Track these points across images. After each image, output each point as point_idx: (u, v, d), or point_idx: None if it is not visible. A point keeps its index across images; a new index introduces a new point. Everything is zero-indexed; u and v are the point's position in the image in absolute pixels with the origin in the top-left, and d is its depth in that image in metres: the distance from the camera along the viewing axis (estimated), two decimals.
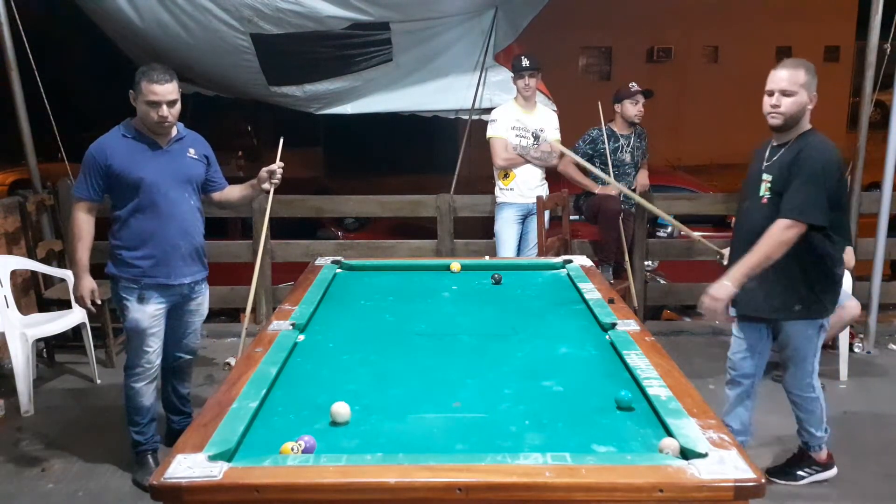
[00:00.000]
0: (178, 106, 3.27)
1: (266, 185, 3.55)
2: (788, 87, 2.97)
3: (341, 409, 1.99)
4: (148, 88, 3.14)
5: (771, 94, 3.02)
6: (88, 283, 3.39)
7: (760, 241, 2.97)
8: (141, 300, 3.36)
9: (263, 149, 17.35)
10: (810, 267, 3.07)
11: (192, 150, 3.43)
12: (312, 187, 8.59)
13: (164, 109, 3.18)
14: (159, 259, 3.34)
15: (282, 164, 3.57)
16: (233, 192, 3.70)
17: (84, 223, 3.35)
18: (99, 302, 3.45)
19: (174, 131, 3.37)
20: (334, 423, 1.98)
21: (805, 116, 3.05)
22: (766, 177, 3.11)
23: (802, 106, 3.01)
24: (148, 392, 3.48)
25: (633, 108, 5.13)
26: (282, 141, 3.74)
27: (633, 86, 5.14)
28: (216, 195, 3.67)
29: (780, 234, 2.93)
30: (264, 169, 3.55)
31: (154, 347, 3.44)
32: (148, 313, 3.37)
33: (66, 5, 5.59)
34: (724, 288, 2.99)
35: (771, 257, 2.94)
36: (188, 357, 3.74)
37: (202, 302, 3.63)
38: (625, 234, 5.27)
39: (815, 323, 3.16)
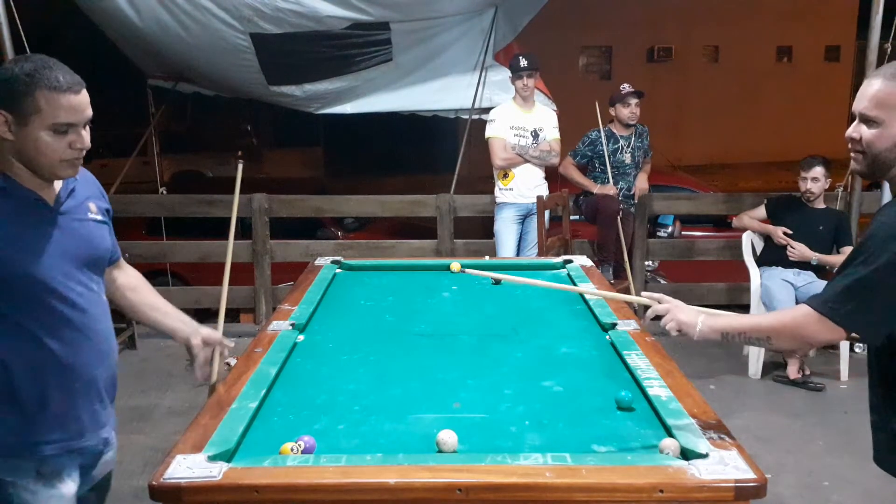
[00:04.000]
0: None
1: (197, 374, 2.09)
2: (868, 110, 1.76)
3: (447, 438, 1.78)
4: (56, 101, 1.68)
5: (852, 119, 1.84)
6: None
7: (775, 312, 2.04)
8: (45, 480, 1.80)
9: (263, 148, 17.37)
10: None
11: (92, 206, 1.93)
12: (312, 187, 8.59)
13: (86, 137, 1.76)
14: (59, 407, 1.82)
15: (231, 343, 2.12)
16: (144, 295, 2.14)
17: None
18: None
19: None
20: (442, 447, 1.79)
21: None
22: None
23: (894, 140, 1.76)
24: None
25: (625, 111, 5.14)
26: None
27: (625, 87, 5.15)
28: (116, 274, 2.10)
29: (796, 319, 1.82)
30: (198, 353, 2.07)
31: None
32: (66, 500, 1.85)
33: (65, 5, 5.59)
34: (691, 325, 2.02)
35: (770, 339, 1.87)
36: None
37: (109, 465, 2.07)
38: (624, 233, 5.26)
39: None
